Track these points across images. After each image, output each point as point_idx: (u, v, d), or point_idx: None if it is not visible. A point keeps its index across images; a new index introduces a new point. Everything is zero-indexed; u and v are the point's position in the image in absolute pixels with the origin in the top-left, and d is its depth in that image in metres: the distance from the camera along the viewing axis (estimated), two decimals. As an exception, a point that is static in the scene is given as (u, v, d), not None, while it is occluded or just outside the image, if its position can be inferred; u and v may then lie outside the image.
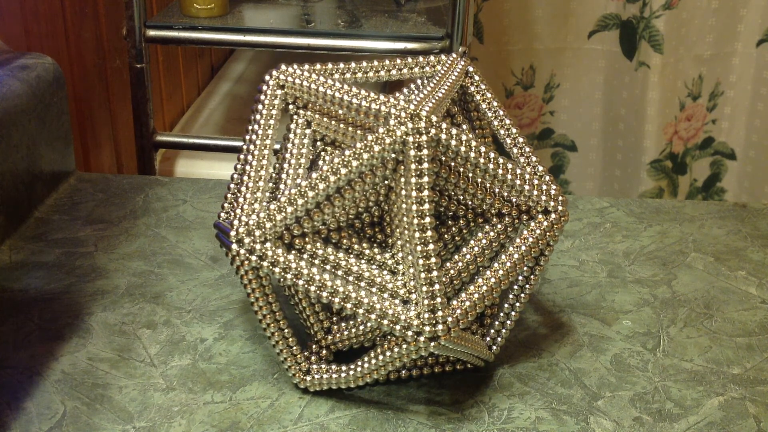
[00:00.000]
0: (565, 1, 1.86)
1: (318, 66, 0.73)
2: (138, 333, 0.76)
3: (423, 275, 0.63)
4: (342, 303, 0.64)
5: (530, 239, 0.69)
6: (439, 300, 0.63)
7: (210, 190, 1.01)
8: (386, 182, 0.67)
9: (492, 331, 0.72)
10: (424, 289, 0.63)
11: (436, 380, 0.71)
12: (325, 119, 0.72)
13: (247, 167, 0.70)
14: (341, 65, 0.73)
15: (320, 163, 0.73)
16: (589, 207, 0.98)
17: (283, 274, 0.64)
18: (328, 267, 0.66)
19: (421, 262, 0.63)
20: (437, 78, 0.71)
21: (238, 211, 0.67)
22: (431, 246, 0.63)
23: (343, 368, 0.68)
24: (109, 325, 0.77)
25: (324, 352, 0.70)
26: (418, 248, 0.63)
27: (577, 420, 0.67)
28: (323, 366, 0.69)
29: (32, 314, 0.78)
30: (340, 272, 0.66)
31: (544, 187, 0.69)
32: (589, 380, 0.71)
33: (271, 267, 0.64)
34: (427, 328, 0.63)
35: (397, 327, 0.63)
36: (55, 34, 1.15)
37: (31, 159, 0.93)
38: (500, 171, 0.67)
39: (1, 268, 0.85)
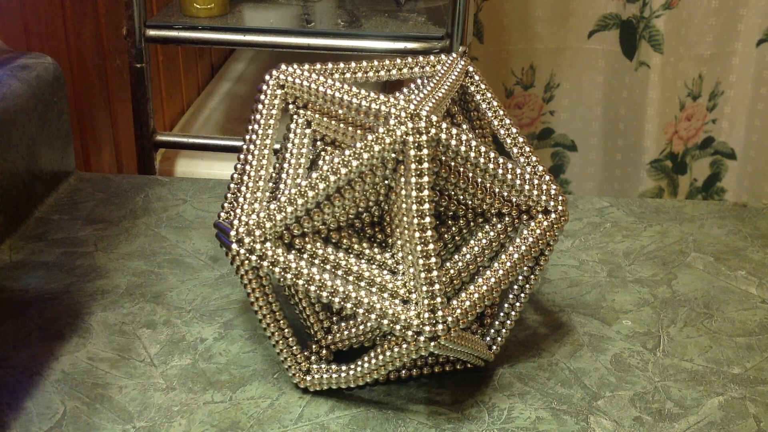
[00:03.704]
0: (565, 1, 1.86)
1: (318, 66, 0.73)
2: (138, 333, 0.76)
3: (423, 275, 0.63)
4: (342, 303, 0.64)
5: (530, 239, 0.69)
6: (439, 300, 0.63)
7: (210, 190, 1.01)
8: (386, 182, 0.67)
9: (492, 331, 0.72)
10: (424, 288, 0.63)
11: (436, 380, 0.71)
12: (325, 119, 0.72)
13: (247, 167, 0.70)
14: (341, 65, 0.73)
15: (320, 163, 0.73)
16: (589, 207, 0.98)
17: (283, 273, 0.64)
18: (328, 267, 0.66)
19: (421, 261, 0.63)
20: (437, 78, 0.71)
21: (238, 210, 0.67)
22: (431, 246, 0.63)
23: (343, 368, 0.68)
24: (109, 325, 0.77)
25: (324, 352, 0.70)
26: (418, 248, 0.63)
27: (577, 420, 0.67)
28: (323, 366, 0.69)
29: (32, 314, 0.78)
30: (340, 272, 0.66)
31: (544, 186, 0.69)
32: (589, 380, 0.71)
33: (271, 267, 0.64)
34: (427, 328, 0.63)
35: (397, 327, 0.63)
36: (55, 34, 1.15)
37: (31, 159, 0.93)
38: (500, 171, 0.67)
39: (1, 268, 0.85)
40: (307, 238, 0.66)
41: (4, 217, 0.89)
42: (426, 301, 0.63)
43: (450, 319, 0.63)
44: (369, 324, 0.67)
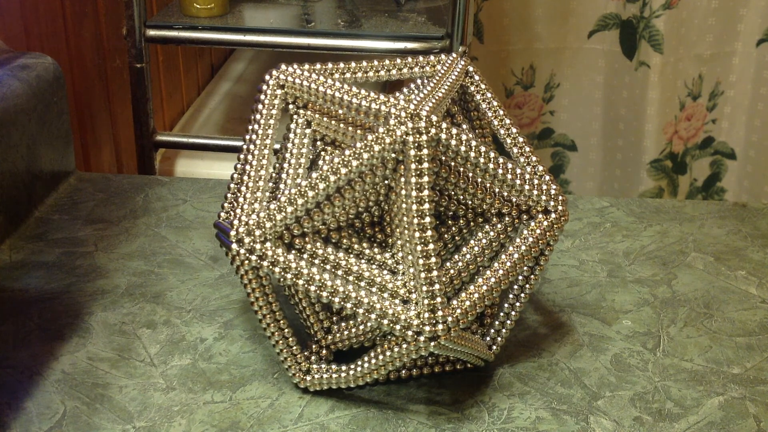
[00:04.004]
0: (565, 1, 1.86)
1: (318, 66, 0.73)
2: (138, 333, 0.76)
3: (423, 275, 0.63)
4: (342, 303, 0.64)
5: (530, 239, 0.69)
6: (439, 300, 0.63)
7: (210, 190, 1.01)
8: (386, 182, 0.67)
9: (492, 331, 0.72)
10: (424, 288, 0.63)
11: (436, 380, 0.71)
12: (325, 119, 0.72)
13: (247, 167, 0.70)
14: (341, 65, 0.73)
15: (320, 163, 0.73)
16: (589, 207, 0.98)
17: (283, 273, 0.64)
18: (328, 267, 0.66)
19: (421, 261, 0.63)
20: (437, 78, 0.71)
21: (238, 210, 0.67)
22: (431, 246, 0.63)
23: (343, 368, 0.68)
24: (109, 324, 0.77)
25: (324, 352, 0.70)
26: (418, 248, 0.63)
27: (577, 420, 0.67)
28: (323, 366, 0.69)
29: (32, 314, 0.78)
30: (340, 272, 0.66)
31: (544, 186, 0.69)
32: (589, 380, 0.71)
33: (271, 267, 0.64)
34: (427, 328, 0.63)
35: (397, 327, 0.63)
36: (55, 34, 1.15)
37: (31, 159, 0.93)
38: (500, 171, 0.67)
39: (1, 268, 0.85)
40: (307, 238, 0.66)
41: (4, 217, 0.89)
42: (426, 301, 0.63)
43: (450, 319, 0.63)
44: (369, 324, 0.67)
